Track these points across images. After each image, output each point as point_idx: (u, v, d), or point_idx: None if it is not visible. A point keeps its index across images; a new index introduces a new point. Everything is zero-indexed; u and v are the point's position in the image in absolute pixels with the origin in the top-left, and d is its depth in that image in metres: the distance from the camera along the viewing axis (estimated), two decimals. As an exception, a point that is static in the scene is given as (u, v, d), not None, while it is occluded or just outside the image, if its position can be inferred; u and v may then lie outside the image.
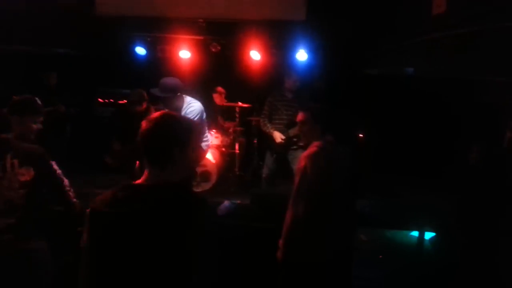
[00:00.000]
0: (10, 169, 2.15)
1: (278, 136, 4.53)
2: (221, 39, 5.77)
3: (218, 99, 5.82)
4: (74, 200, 2.41)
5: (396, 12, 4.50)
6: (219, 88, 5.85)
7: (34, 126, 2.58)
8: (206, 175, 4.73)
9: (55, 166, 2.33)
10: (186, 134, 1.47)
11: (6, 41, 5.20)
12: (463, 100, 4.46)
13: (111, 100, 5.11)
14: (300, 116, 2.69)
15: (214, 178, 4.79)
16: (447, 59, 4.02)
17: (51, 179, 2.30)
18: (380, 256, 3.21)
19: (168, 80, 3.75)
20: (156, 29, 5.72)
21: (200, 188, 4.61)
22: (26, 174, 2.17)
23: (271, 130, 4.60)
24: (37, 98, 2.62)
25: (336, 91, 5.10)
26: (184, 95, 3.87)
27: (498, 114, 3.56)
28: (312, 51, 5.51)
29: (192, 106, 3.84)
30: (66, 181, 2.37)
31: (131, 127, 4.20)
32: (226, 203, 3.91)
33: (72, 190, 2.41)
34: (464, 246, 2.85)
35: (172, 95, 3.70)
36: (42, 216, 2.31)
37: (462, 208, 2.94)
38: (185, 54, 5.90)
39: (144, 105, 4.31)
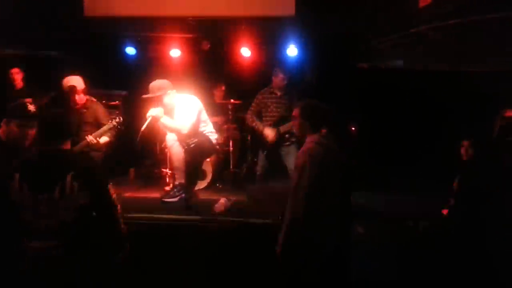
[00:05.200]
0: (69, 193, 2.06)
1: (270, 134, 4.56)
2: (211, 37, 5.79)
3: (218, 96, 5.85)
4: (122, 226, 2.31)
5: (384, 5, 4.54)
6: (221, 86, 5.88)
7: (28, 132, 2.55)
8: (201, 173, 4.75)
9: (112, 190, 2.24)
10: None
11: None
12: (453, 91, 4.52)
13: (103, 101, 5.08)
14: (293, 112, 2.75)
15: (209, 176, 4.82)
16: (434, 50, 4.08)
17: (105, 206, 2.21)
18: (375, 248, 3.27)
19: (156, 82, 3.94)
20: (146, 29, 5.71)
21: (196, 186, 4.63)
22: (83, 198, 2.09)
23: (261, 127, 4.63)
24: (29, 104, 2.59)
25: (327, 86, 5.13)
26: (175, 93, 3.98)
27: (488, 104, 3.64)
28: (302, 46, 5.54)
29: (187, 103, 3.99)
30: (118, 207, 2.28)
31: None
32: (223, 200, 3.96)
33: (121, 215, 2.32)
34: (459, 236, 2.92)
35: (162, 93, 3.87)
36: (92, 235, 2.21)
37: (459, 199, 3.01)
38: (175, 53, 5.91)
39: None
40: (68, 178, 2.06)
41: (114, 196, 2.25)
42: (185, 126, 3.91)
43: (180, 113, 3.99)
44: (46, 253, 2.07)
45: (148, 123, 3.88)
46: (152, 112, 3.86)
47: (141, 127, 3.86)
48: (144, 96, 3.95)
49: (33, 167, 2.11)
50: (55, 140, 2.16)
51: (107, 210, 2.21)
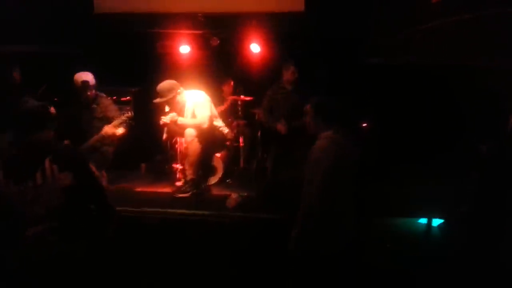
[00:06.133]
0: (50, 175, 2.14)
1: (281, 127, 4.56)
2: (220, 33, 5.79)
3: (227, 92, 5.86)
4: (110, 202, 2.41)
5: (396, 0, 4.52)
6: (230, 82, 5.89)
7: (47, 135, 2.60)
8: (212, 169, 4.77)
9: (93, 169, 2.35)
10: None
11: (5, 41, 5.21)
12: (466, 87, 4.48)
13: (114, 97, 5.12)
14: (305, 108, 2.74)
15: (219, 171, 4.83)
16: (448, 45, 4.05)
17: (90, 183, 2.30)
18: (388, 245, 3.27)
19: (164, 84, 3.98)
20: (156, 25, 5.73)
21: (207, 181, 4.66)
22: (65, 179, 2.17)
23: (273, 124, 4.64)
24: (50, 107, 2.63)
25: (338, 81, 5.12)
26: (183, 91, 4.05)
27: (502, 100, 3.60)
28: (312, 42, 5.53)
29: (199, 98, 4.07)
30: (103, 183, 2.40)
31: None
32: (234, 195, 3.98)
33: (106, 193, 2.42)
34: (476, 233, 2.91)
35: (173, 96, 3.94)
36: (83, 217, 2.30)
37: (478, 196, 3.00)
38: (185, 49, 5.92)
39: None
40: (46, 162, 2.14)
41: (96, 174, 2.40)
42: (205, 121, 3.99)
43: (195, 109, 4.04)
44: (39, 238, 2.14)
45: (167, 130, 4.02)
46: (166, 119, 3.98)
47: (153, 123, 3.93)
48: (156, 101, 4.01)
49: (13, 161, 2.18)
50: (33, 133, 2.22)
51: (93, 186, 2.31)
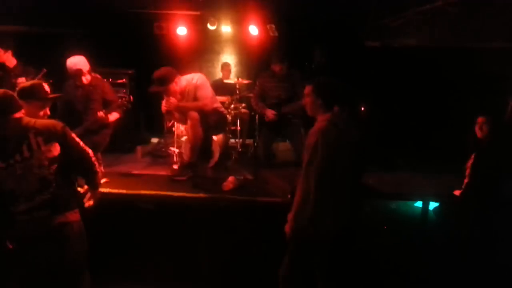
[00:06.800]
0: (36, 148, 2.17)
1: (270, 113, 4.56)
2: (218, 15, 5.71)
3: (225, 75, 5.80)
4: (99, 170, 2.49)
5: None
6: (227, 64, 5.82)
7: (41, 113, 2.55)
8: (209, 152, 4.74)
9: (77, 138, 2.36)
10: None
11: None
12: (466, 70, 4.44)
13: (110, 79, 5.04)
14: (305, 89, 2.67)
15: (216, 155, 4.80)
16: (449, 28, 3.99)
17: (77, 151, 2.34)
18: (385, 227, 3.27)
19: (161, 72, 3.83)
20: (152, 6, 5.64)
21: (204, 164, 4.63)
22: (52, 150, 2.21)
23: (263, 110, 4.63)
24: (45, 84, 2.60)
25: (337, 65, 5.07)
26: (180, 79, 3.94)
27: (501, 83, 3.57)
28: (311, 24, 5.46)
29: (198, 81, 3.96)
30: (90, 151, 2.42)
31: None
32: (231, 178, 3.97)
33: (95, 159, 2.47)
34: (471, 216, 2.90)
35: (170, 84, 3.82)
36: (74, 189, 2.37)
37: (473, 179, 2.98)
38: (182, 30, 5.83)
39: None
40: (31, 135, 2.17)
41: (81, 143, 2.38)
42: (207, 102, 3.94)
43: (196, 91, 3.98)
44: (31, 213, 2.17)
45: (171, 116, 3.96)
46: (165, 108, 3.92)
47: (149, 106, 3.87)
48: (152, 89, 3.90)
49: None
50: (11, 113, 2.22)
51: (80, 154, 2.36)
